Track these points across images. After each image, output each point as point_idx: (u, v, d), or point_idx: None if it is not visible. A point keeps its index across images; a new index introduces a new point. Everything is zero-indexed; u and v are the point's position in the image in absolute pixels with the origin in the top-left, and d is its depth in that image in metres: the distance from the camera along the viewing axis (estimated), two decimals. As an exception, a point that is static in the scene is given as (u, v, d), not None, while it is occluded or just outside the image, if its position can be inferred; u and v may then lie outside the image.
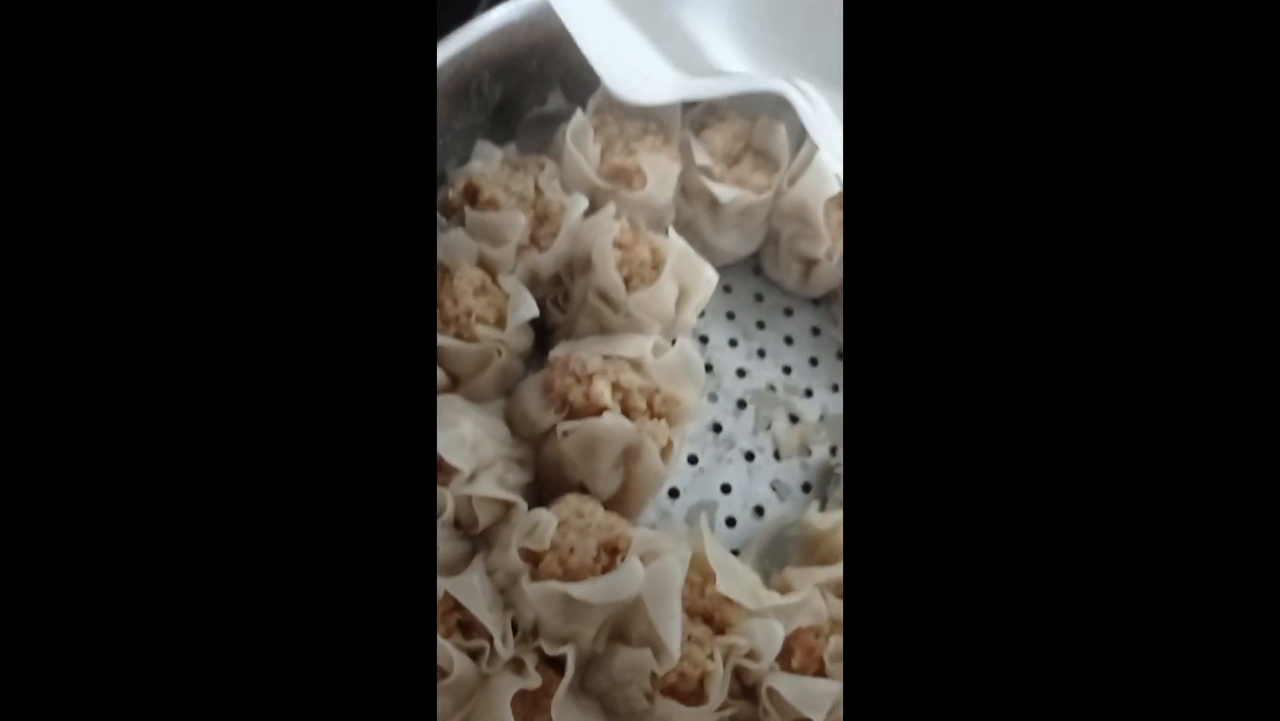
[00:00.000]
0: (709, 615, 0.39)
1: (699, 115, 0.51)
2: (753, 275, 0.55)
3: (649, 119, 0.49)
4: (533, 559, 0.38)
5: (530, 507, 0.40)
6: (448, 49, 0.42)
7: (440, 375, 0.42)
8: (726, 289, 0.54)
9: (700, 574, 0.39)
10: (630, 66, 0.45)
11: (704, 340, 0.52)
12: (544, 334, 0.47)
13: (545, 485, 0.43)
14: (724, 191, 0.49)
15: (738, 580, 0.39)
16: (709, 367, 0.51)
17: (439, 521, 0.37)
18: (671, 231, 0.44)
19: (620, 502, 0.43)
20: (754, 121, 0.51)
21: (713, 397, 0.51)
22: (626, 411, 0.41)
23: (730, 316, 0.54)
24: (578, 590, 0.36)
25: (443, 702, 0.36)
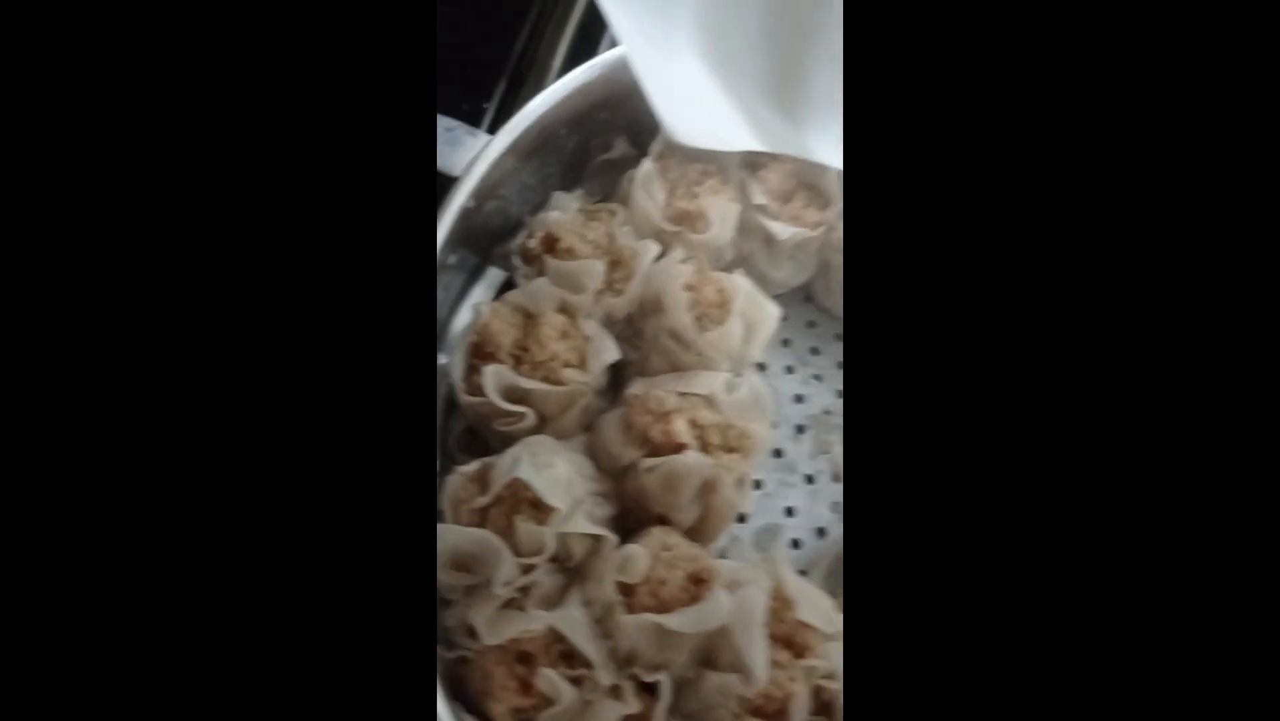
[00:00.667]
0: (789, 639, 0.41)
1: (753, 155, 0.53)
2: (804, 302, 0.57)
3: (708, 161, 0.52)
4: (626, 591, 0.40)
5: (615, 536, 0.43)
6: (533, 109, 0.45)
7: (530, 415, 0.44)
8: (781, 316, 0.56)
9: (778, 600, 0.42)
10: (692, 114, 0.47)
11: (762, 367, 0.55)
12: (617, 369, 0.50)
13: (627, 516, 0.46)
14: (782, 229, 0.51)
15: (815, 606, 0.42)
16: (768, 395, 0.54)
17: (541, 558, 0.40)
18: (739, 273, 0.47)
19: (698, 532, 0.45)
20: (805, 160, 0.54)
21: (773, 423, 0.53)
22: (703, 447, 0.44)
23: (786, 343, 0.56)
24: (671, 621, 0.39)
25: (551, 729, 0.39)
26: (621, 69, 0.46)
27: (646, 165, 0.48)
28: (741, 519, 0.51)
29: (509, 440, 0.45)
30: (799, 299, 0.57)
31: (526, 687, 0.38)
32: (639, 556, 0.40)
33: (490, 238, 0.49)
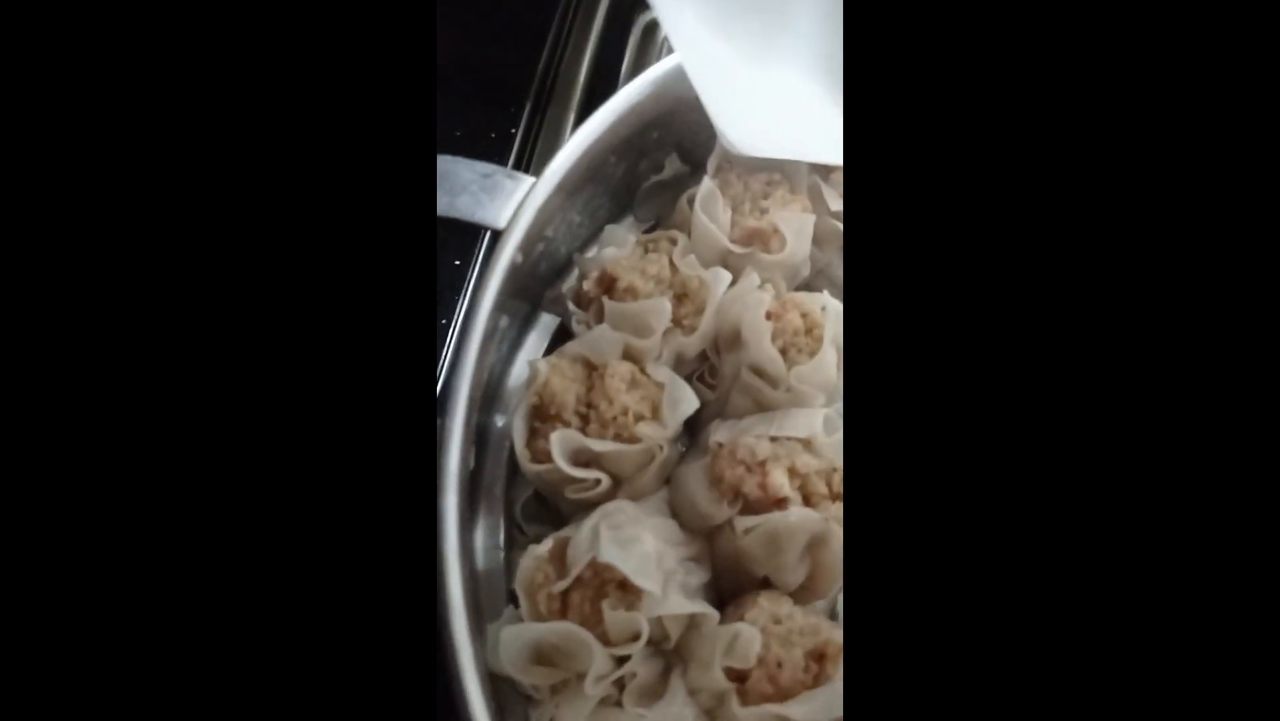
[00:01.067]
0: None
1: (823, 158, 0.48)
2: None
3: (772, 169, 0.46)
4: (738, 676, 0.35)
5: (710, 602, 0.38)
6: (580, 141, 0.40)
7: (604, 480, 0.39)
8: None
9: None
10: (756, 123, 0.42)
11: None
12: (692, 411, 0.44)
13: (724, 579, 0.40)
14: (863, 236, 0.45)
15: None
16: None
17: (637, 646, 0.35)
18: (826, 294, 0.41)
19: (807, 591, 0.40)
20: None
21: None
22: (806, 498, 0.38)
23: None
24: (797, 712, 0.33)
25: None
26: (669, 83, 0.41)
27: (706, 184, 0.43)
28: (850, 567, 0.45)
29: (581, 506, 0.40)
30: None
31: (635, 801, 0.33)
32: (749, 637, 0.35)
33: (539, 283, 0.44)
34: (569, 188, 0.41)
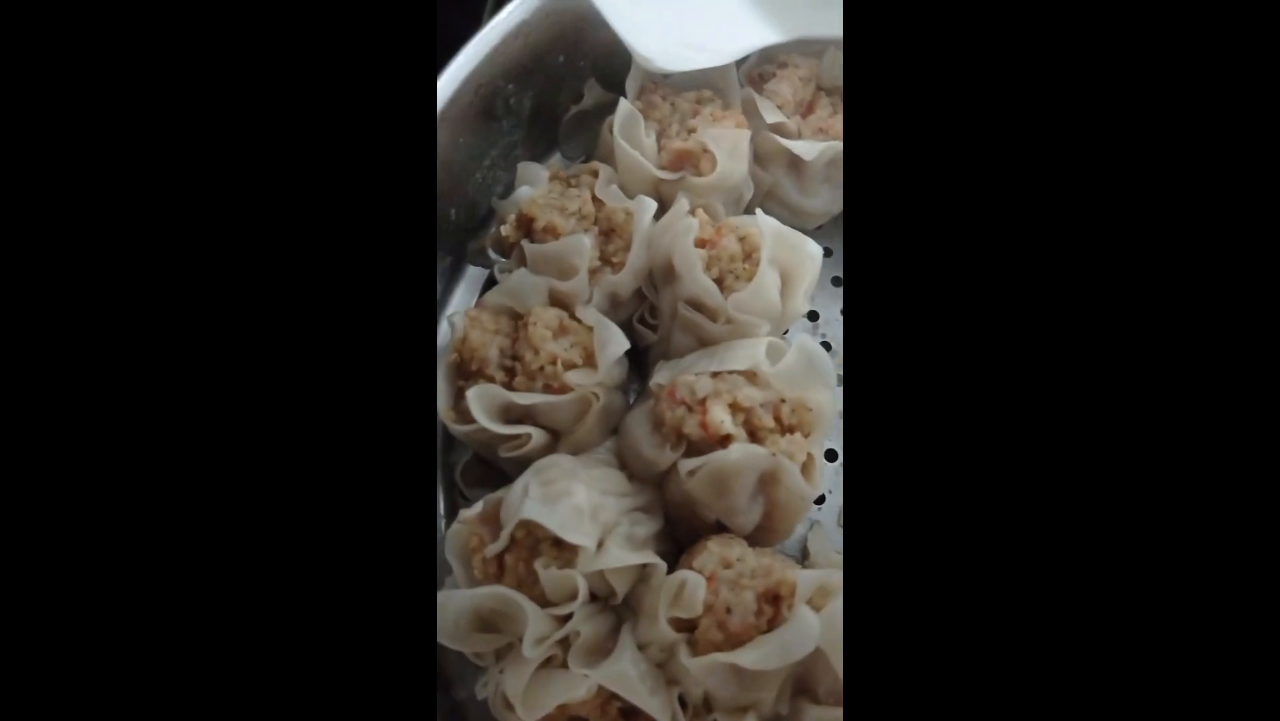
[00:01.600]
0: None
1: (757, 66, 0.44)
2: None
3: (701, 86, 0.43)
4: (687, 626, 0.33)
5: (664, 552, 0.36)
6: (459, 68, 0.36)
7: (536, 434, 0.37)
8: (827, 252, 0.47)
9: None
10: (668, 34, 0.39)
11: (814, 317, 0.46)
12: (636, 354, 0.42)
13: (677, 527, 0.38)
14: (806, 148, 0.42)
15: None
16: (827, 346, 0.45)
17: (576, 604, 0.33)
18: (760, 212, 0.38)
19: (766, 531, 0.37)
20: (820, 58, 0.44)
21: (838, 380, 0.44)
22: (752, 434, 0.35)
23: (837, 282, 0.47)
24: (747, 658, 0.31)
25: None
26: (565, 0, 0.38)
27: (624, 106, 0.40)
28: (821, 500, 0.42)
29: (523, 465, 0.38)
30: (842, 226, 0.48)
31: (586, 763, 0.32)
32: (695, 584, 0.32)
33: (459, 233, 0.42)
34: (457, 120, 0.38)
